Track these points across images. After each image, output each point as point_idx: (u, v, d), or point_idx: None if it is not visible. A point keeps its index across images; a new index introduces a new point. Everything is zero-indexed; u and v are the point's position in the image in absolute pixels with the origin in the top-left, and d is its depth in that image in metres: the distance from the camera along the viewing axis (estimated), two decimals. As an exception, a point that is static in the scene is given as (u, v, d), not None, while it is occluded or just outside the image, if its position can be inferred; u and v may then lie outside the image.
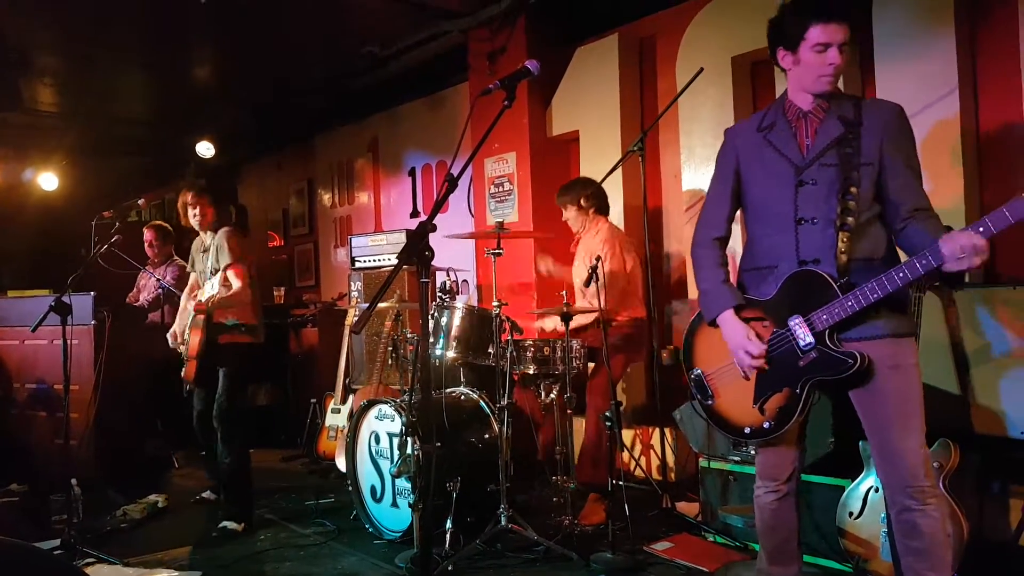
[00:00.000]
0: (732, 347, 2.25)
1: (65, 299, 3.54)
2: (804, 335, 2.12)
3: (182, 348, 3.94)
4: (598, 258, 3.55)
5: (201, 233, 4.05)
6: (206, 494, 4.44)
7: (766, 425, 2.22)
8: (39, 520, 4.04)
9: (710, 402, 2.37)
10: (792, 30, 2.16)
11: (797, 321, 2.14)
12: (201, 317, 3.78)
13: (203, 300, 3.78)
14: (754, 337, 2.20)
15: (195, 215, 3.96)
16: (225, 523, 3.81)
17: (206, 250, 3.99)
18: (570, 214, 4.06)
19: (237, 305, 3.87)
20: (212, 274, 3.88)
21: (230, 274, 3.83)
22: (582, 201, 4.03)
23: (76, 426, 4.14)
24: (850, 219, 2.09)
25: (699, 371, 2.40)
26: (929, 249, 1.94)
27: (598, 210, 4.07)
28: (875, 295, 2.01)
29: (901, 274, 1.98)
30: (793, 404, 2.17)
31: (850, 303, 2.04)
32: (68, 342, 3.59)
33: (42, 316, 3.55)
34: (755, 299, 2.26)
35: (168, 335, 4.16)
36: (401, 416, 3.51)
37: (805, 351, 2.13)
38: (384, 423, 3.68)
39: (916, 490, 2.08)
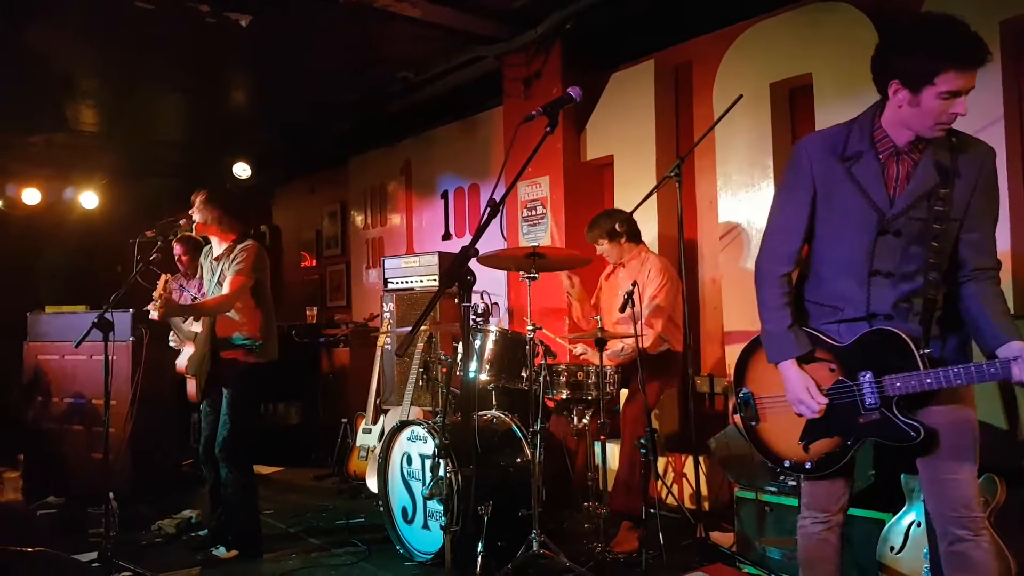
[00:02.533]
0: (789, 397, 2.15)
1: (108, 316, 3.61)
2: (871, 395, 2.03)
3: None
4: (634, 284, 3.55)
5: (212, 242, 3.94)
6: (202, 533, 4.02)
7: (808, 465, 2.17)
8: (77, 533, 4.09)
9: (754, 423, 2.30)
10: (919, 67, 1.91)
11: (868, 378, 2.04)
12: (204, 332, 3.72)
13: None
14: (815, 392, 2.10)
15: (194, 211, 3.84)
16: (214, 548, 3.74)
17: (217, 258, 3.88)
18: (604, 247, 4.06)
19: (213, 310, 3.67)
20: (219, 284, 3.77)
21: (226, 282, 3.71)
22: (615, 230, 4.02)
23: (113, 441, 4.19)
24: (930, 279, 1.98)
25: (749, 391, 2.32)
26: (1011, 362, 1.84)
27: (629, 237, 4.07)
28: (959, 381, 1.90)
29: (992, 370, 1.86)
30: (840, 453, 2.11)
31: (929, 380, 1.93)
32: (109, 358, 3.66)
33: (86, 332, 3.61)
34: (828, 342, 2.14)
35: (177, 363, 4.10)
36: (433, 438, 3.52)
37: (868, 410, 2.04)
38: (416, 444, 3.69)
39: (969, 520, 2.01)
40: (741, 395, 2.33)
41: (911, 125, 1.97)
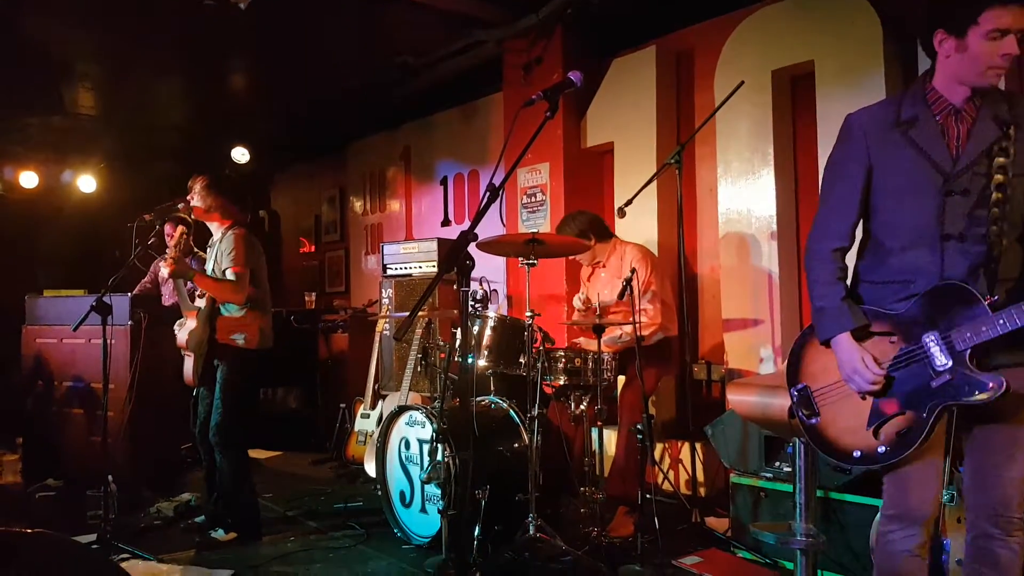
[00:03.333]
0: (845, 373, 2.01)
1: (106, 299, 3.61)
2: (941, 354, 1.88)
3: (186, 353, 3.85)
4: (633, 270, 3.55)
5: (211, 228, 3.93)
6: (199, 519, 3.98)
7: (881, 450, 1.95)
8: (75, 515, 4.10)
9: (814, 420, 2.10)
10: (960, 9, 1.85)
11: (933, 338, 1.89)
12: (205, 311, 3.71)
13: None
14: (871, 363, 1.96)
15: (193, 197, 3.83)
16: (212, 531, 3.75)
17: (212, 244, 3.89)
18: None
19: (219, 291, 3.68)
20: (219, 269, 3.75)
21: (228, 274, 3.70)
22: (584, 232, 3.95)
23: (112, 424, 4.20)
24: (1002, 237, 1.85)
25: (805, 385, 2.15)
26: None
27: (599, 237, 4.02)
28: None
29: None
30: (917, 429, 1.91)
31: (1001, 321, 1.79)
32: (108, 342, 3.66)
33: (84, 316, 3.62)
34: (883, 312, 2.01)
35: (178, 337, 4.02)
36: (432, 423, 3.53)
37: (940, 372, 1.88)
38: (415, 429, 3.70)
39: (1004, 520, 1.92)
40: (798, 390, 2.16)
41: (963, 77, 1.89)
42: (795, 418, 2.18)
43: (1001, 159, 1.84)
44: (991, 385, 1.81)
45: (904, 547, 1.96)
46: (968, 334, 1.83)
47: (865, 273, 2.08)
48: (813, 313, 2.10)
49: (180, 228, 3.72)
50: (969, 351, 1.84)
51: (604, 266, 4.06)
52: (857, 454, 2.00)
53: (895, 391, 1.95)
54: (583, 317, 3.91)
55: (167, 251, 3.67)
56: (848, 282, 2.08)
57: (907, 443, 1.92)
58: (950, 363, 1.86)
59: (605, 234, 4.07)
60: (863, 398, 1.99)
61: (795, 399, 2.17)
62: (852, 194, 2.04)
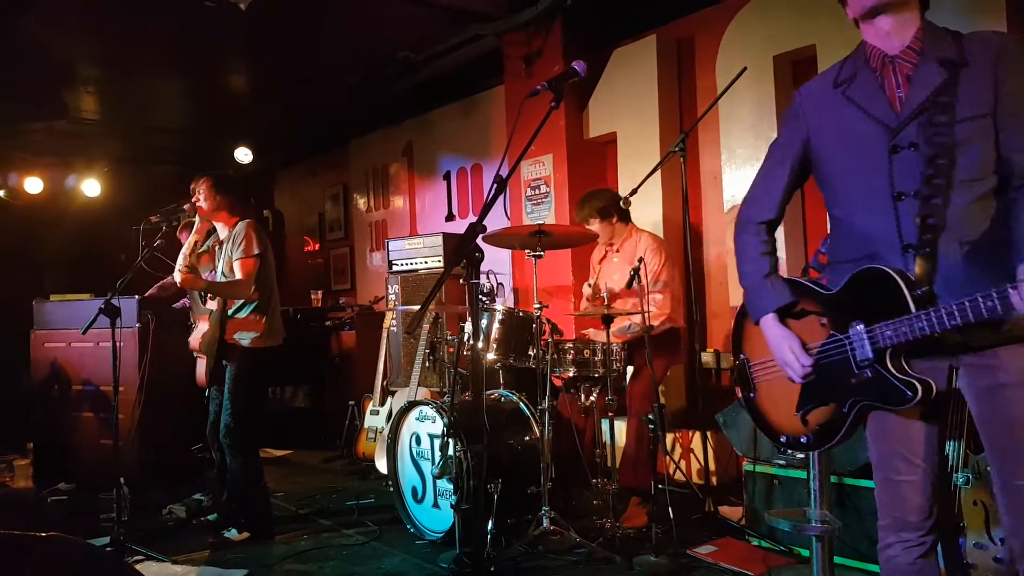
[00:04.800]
0: (776, 360, 1.88)
1: (114, 302, 3.61)
2: (863, 348, 1.70)
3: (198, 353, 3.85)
4: (640, 259, 3.53)
5: (216, 227, 3.92)
6: (211, 517, 3.98)
7: (803, 439, 1.87)
8: (88, 518, 4.11)
9: (751, 394, 2.02)
10: None
11: (859, 329, 1.71)
12: (216, 313, 3.71)
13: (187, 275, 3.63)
14: (798, 349, 1.82)
15: (199, 198, 3.81)
16: (225, 531, 3.75)
17: (220, 243, 3.87)
18: (595, 226, 4.02)
19: (231, 294, 3.69)
20: (229, 269, 3.74)
21: (236, 266, 3.69)
22: (606, 208, 3.98)
23: (122, 426, 4.21)
24: (936, 199, 1.64)
25: (745, 357, 2.05)
26: (1009, 291, 1.46)
27: (620, 217, 4.04)
28: (953, 321, 1.54)
29: (990, 303, 1.49)
30: (837, 423, 1.79)
31: (921, 324, 1.59)
32: (117, 344, 3.66)
33: (92, 318, 3.62)
34: (814, 290, 1.86)
35: (191, 340, 4.06)
36: (442, 417, 3.53)
37: (861, 366, 1.72)
38: (425, 424, 3.70)
39: None
40: (738, 363, 2.07)
41: (876, 22, 1.76)
42: (737, 386, 2.11)
43: (948, 100, 1.65)
44: (908, 393, 1.64)
45: (907, 560, 1.77)
46: (888, 332, 1.65)
47: (832, 254, 1.92)
48: (743, 293, 1.99)
49: (194, 238, 3.72)
50: (891, 348, 1.66)
51: (618, 250, 4.06)
52: (783, 439, 1.93)
53: (821, 378, 1.81)
54: (591, 305, 3.90)
55: (179, 261, 3.68)
56: (774, 257, 1.96)
57: (827, 437, 1.82)
58: (871, 358, 1.69)
59: (625, 216, 4.06)
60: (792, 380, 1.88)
61: (735, 371, 2.09)
62: (783, 162, 1.93)
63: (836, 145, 1.83)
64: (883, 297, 1.67)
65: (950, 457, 2.53)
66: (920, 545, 1.77)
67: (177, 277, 3.63)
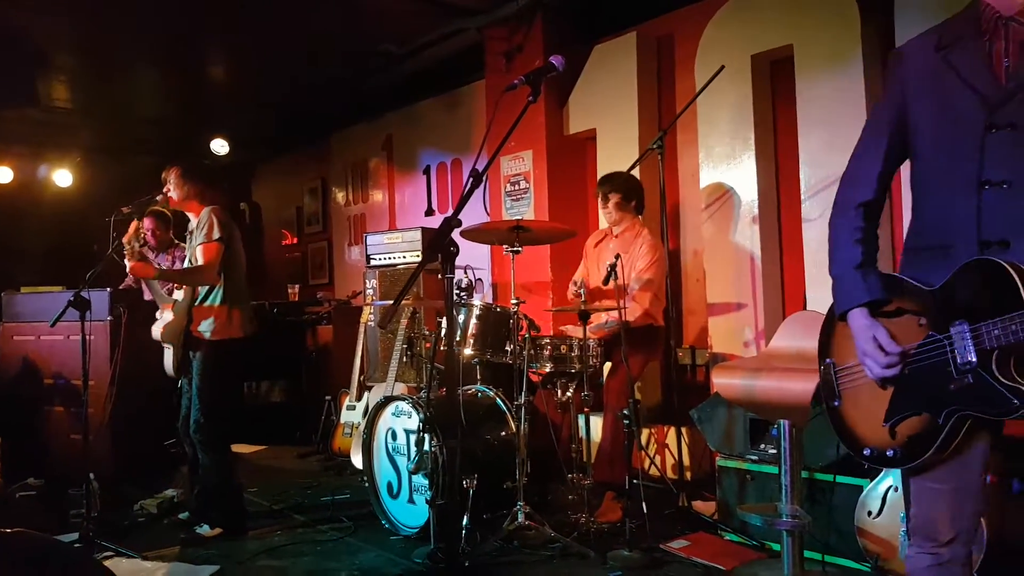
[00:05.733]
0: (859, 354, 1.68)
1: (84, 295, 3.56)
2: (966, 349, 1.50)
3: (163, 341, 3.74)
4: (617, 256, 3.54)
5: (190, 216, 3.84)
6: (183, 515, 3.94)
7: (889, 452, 1.65)
8: (57, 514, 4.05)
9: (836, 403, 1.79)
10: None
11: (962, 329, 1.51)
12: (184, 303, 3.64)
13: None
14: (886, 341, 1.62)
15: (169, 188, 3.76)
16: (197, 527, 3.69)
17: (190, 232, 3.80)
18: (612, 202, 4.03)
19: (189, 280, 3.62)
20: (194, 257, 3.67)
21: (198, 251, 3.60)
22: (636, 191, 4.05)
23: (92, 421, 4.14)
24: None
25: (831, 361, 1.82)
26: None
27: (638, 209, 4.09)
28: None
29: None
30: (930, 436, 1.57)
31: None
32: (87, 337, 3.61)
33: (61, 311, 3.55)
34: (914, 286, 1.64)
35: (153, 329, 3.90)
36: (418, 413, 3.52)
37: (962, 371, 1.51)
38: (401, 420, 3.69)
39: None
40: (823, 368, 1.84)
41: None
42: (817, 396, 1.90)
43: None
44: (1014, 402, 1.44)
45: (922, 564, 1.66)
46: (996, 331, 1.45)
47: (906, 240, 1.73)
48: (832, 283, 1.79)
49: (134, 223, 3.59)
50: (998, 352, 1.46)
51: (617, 237, 4.08)
52: (867, 451, 1.70)
53: (916, 385, 1.60)
54: (576, 299, 3.91)
55: (125, 250, 3.54)
56: (870, 245, 1.75)
57: (917, 451, 1.59)
58: (974, 362, 1.49)
59: (640, 210, 4.12)
60: (882, 387, 1.67)
61: (821, 376, 1.85)
62: (881, 137, 1.71)
63: (930, 117, 1.62)
64: (992, 293, 1.47)
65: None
66: (933, 555, 1.64)
67: (128, 266, 3.55)
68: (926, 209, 1.67)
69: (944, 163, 1.60)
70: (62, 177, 7.68)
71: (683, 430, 4.18)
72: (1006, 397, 1.44)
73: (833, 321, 1.82)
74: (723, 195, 4.42)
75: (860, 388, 1.73)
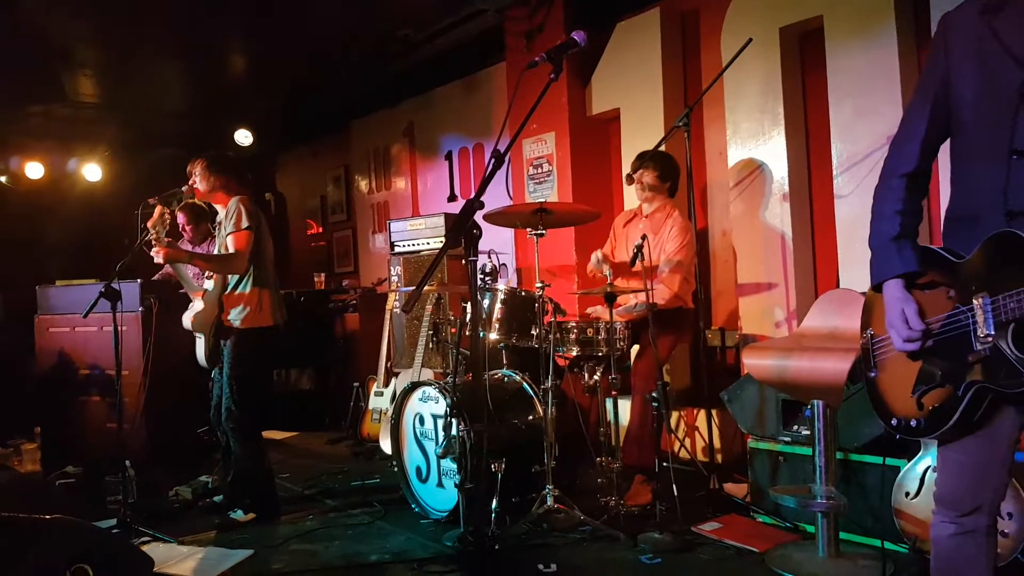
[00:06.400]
0: (887, 324, 1.69)
1: (114, 286, 3.60)
2: (986, 322, 1.50)
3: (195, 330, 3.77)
4: (644, 237, 3.49)
5: (217, 208, 3.88)
6: (216, 499, 4.02)
7: (913, 423, 1.67)
8: (95, 501, 4.13)
9: (872, 374, 1.81)
10: None
11: (982, 301, 1.51)
12: (215, 291, 3.66)
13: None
14: (912, 315, 1.62)
15: (195, 180, 3.79)
16: (231, 512, 3.74)
17: (219, 223, 3.83)
18: (647, 181, 3.95)
19: (220, 267, 3.64)
20: (224, 248, 3.70)
21: (229, 240, 3.62)
22: (672, 172, 3.98)
23: (127, 410, 4.22)
24: None
25: (871, 333, 1.83)
26: None
27: (671, 190, 4.03)
28: None
29: None
30: (951, 408, 1.57)
31: None
32: (118, 328, 3.66)
33: (93, 302, 3.61)
34: (946, 258, 1.65)
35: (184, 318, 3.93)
36: (445, 398, 3.51)
37: (982, 343, 1.51)
38: (428, 405, 3.69)
39: None
40: (863, 339, 1.85)
41: None
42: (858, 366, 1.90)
43: None
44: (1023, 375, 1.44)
45: (944, 532, 1.71)
46: (1012, 304, 1.45)
47: (947, 210, 1.72)
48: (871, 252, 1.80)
49: (159, 208, 3.59)
50: (1015, 323, 1.46)
51: (647, 218, 4.02)
52: (895, 422, 1.73)
53: (941, 356, 1.61)
54: (597, 271, 3.86)
55: (151, 236, 3.56)
56: (910, 217, 1.73)
57: (939, 422, 1.61)
58: (992, 335, 1.49)
59: (674, 191, 4.06)
60: (912, 358, 1.68)
61: (861, 347, 1.87)
62: (924, 106, 1.70)
63: (971, 84, 1.60)
64: (1015, 266, 1.47)
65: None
66: (956, 524, 1.68)
67: (155, 255, 3.56)
68: (961, 179, 1.66)
69: (981, 132, 1.58)
70: (91, 172, 7.77)
71: (713, 412, 4.13)
72: (1018, 370, 1.44)
73: (875, 294, 1.80)
74: (752, 172, 4.34)
75: (892, 359, 1.74)
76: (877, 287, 1.74)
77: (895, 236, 1.71)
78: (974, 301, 1.54)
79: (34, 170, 7.57)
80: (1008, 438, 1.62)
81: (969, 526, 1.66)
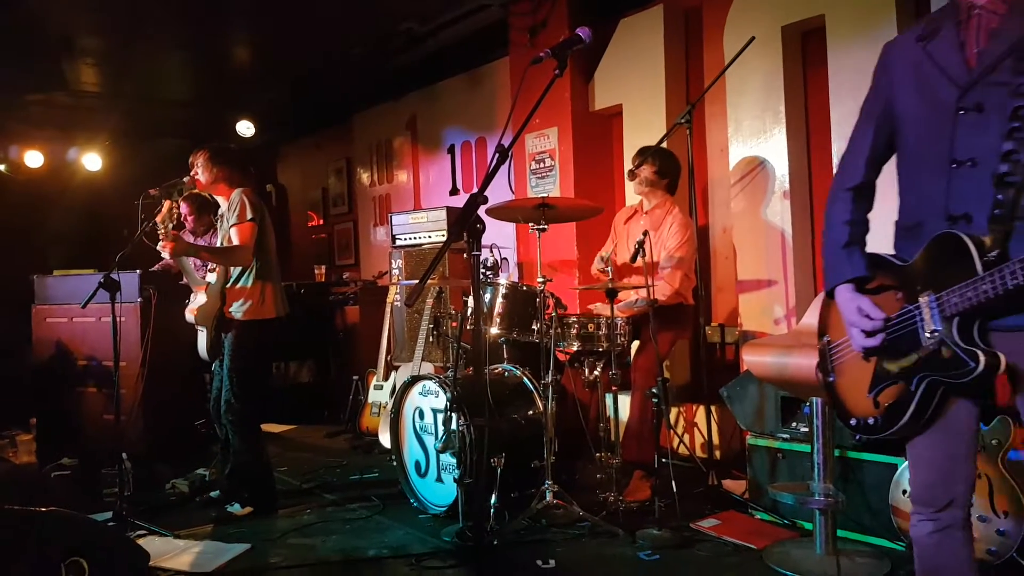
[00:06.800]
0: (845, 325, 1.79)
1: (114, 276, 3.59)
2: (932, 318, 1.61)
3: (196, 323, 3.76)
4: (645, 233, 3.49)
5: (219, 200, 3.86)
6: (214, 494, 3.99)
7: (871, 421, 1.76)
8: (91, 493, 4.13)
9: (831, 379, 1.90)
10: None
11: (928, 299, 1.63)
12: (217, 284, 3.66)
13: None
14: (870, 308, 1.72)
15: (197, 172, 3.78)
16: (228, 506, 3.75)
17: (222, 216, 3.82)
18: (644, 176, 3.97)
19: (224, 260, 3.64)
20: (228, 240, 3.68)
21: (232, 232, 3.61)
22: (670, 169, 3.99)
23: (125, 402, 4.21)
24: (1017, 160, 1.53)
25: (828, 339, 1.92)
26: None
27: (670, 187, 4.02)
28: (1015, 281, 1.46)
29: None
30: (905, 402, 1.67)
31: (985, 287, 1.50)
32: (117, 319, 3.65)
33: (92, 293, 3.59)
34: (891, 262, 1.78)
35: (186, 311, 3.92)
36: (445, 392, 3.51)
37: (930, 338, 1.62)
38: (428, 399, 3.68)
39: None
40: (820, 345, 1.94)
41: None
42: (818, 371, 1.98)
43: None
44: (970, 364, 1.54)
45: (923, 531, 1.77)
46: (955, 299, 1.57)
47: (897, 220, 1.84)
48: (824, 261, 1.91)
49: (167, 203, 3.58)
50: (958, 317, 1.57)
51: (647, 214, 4.02)
52: (854, 422, 1.82)
53: (893, 355, 1.71)
54: (601, 274, 3.86)
55: (159, 231, 3.55)
56: (857, 227, 1.86)
57: (895, 417, 1.70)
58: (939, 330, 1.60)
59: (673, 188, 4.06)
60: (866, 359, 1.77)
61: (819, 354, 1.96)
62: (868, 126, 1.84)
63: (913, 104, 1.73)
64: (954, 263, 1.58)
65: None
66: (933, 521, 1.74)
67: (163, 249, 3.55)
68: (908, 190, 1.79)
69: (923, 146, 1.71)
70: (91, 161, 7.75)
71: (712, 408, 4.14)
72: (964, 360, 1.55)
73: (830, 300, 1.90)
74: (753, 170, 4.33)
75: (849, 362, 1.84)
76: (830, 294, 1.86)
77: (844, 244, 1.83)
78: (920, 299, 1.65)
79: (33, 159, 7.54)
80: (969, 430, 1.71)
81: (946, 521, 1.73)
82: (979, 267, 1.53)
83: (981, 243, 1.55)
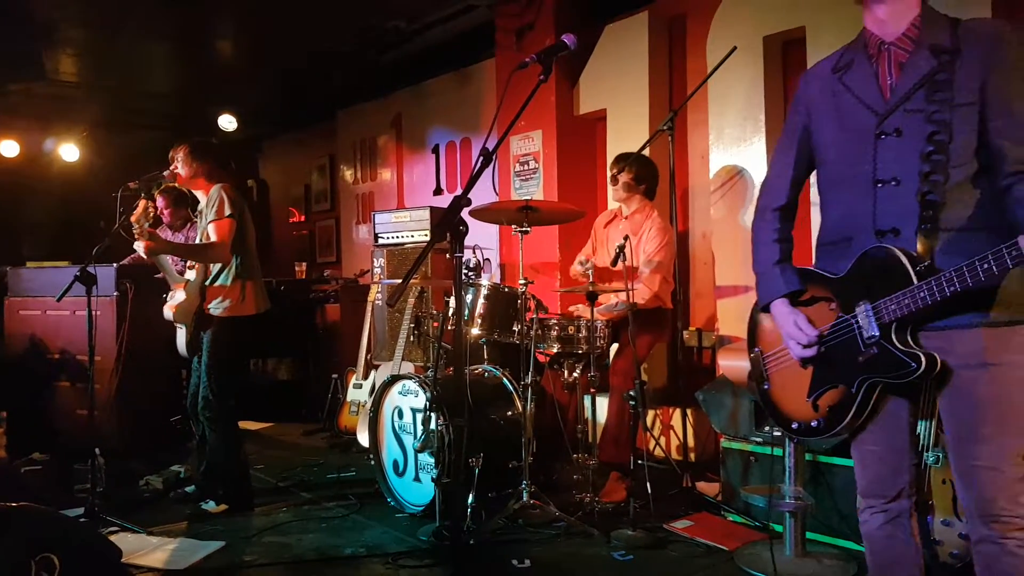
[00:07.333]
0: (784, 338, 1.92)
1: (90, 270, 3.55)
2: (870, 325, 1.74)
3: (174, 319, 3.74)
4: (625, 238, 3.52)
5: (198, 195, 3.84)
6: (189, 489, 3.98)
7: (814, 424, 1.88)
8: (63, 489, 4.08)
9: (766, 386, 2.04)
10: None
11: (864, 308, 1.76)
12: (196, 281, 3.63)
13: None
14: (804, 324, 1.86)
15: (177, 166, 3.75)
16: (203, 503, 3.73)
17: (200, 212, 3.80)
18: (622, 182, 4.01)
19: (202, 257, 3.62)
20: (206, 236, 3.63)
21: (211, 228, 3.58)
22: (646, 175, 4.02)
23: (99, 396, 4.16)
24: (936, 180, 1.67)
25: (759, 350, 2.07)
26: (1006, 249, 1.50)
27: (648, 192, 4.06)
28: (952, 288, 1.58)
29: (985, 265, 1.52)
30: (846, 404, 1.80)
31: (923, 294, 1.63)
32: (92, 312, 3.61)
33: (67, 286, 3.56)
34: (822, 275, 1.90)
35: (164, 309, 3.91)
36: (425, 392, 3.52)
37: (868, 344, 1.75)
38: (407, 398, 3.69)
39: (993, 519, 1.65)
40: (752, 356, 2.09)
41: (874, 10, 1.78)
42: (751, 381, 2.13)
43: (939, 89, 1.68)
44: (912, 365, 1.67)
45: (874, 525, 1.89)
46: (892, 306, 1.70)
47: (818, 237, 1.97)
48: (755, 278, 2.05)
49: (143, 202, 3.53)
50: (895, 323, 1.70)
51: (627, 219, 4.06)
52: (795, 425, 1.94)
53: (831, 361, 1.84)
54: (581, 276, 3.89)
55: (134, 229, 3.49)
56: (786, 244, 2.01)
57: (838, 418, 1.83)
58: (877, 335, 1.73)
59: (651, 194, 4.10)
60: (803, 366, 1.90)
61: (750, 364, 2.10)
62: (790, 150, 1.99)
63: (832, 130, 1.88)
64: (887, 275, 1.71)
65: (921, 437, 2.58)
66: (884, 512, 1.86)
67: (139, 247, 3.51)
68: (831, 209, 1.91)
69: (845, 168, 1.84)
70: (69, 151, 7.66)
71: (688, 412, 4.18)
72: (905, 361, 1.69)
73: (758, 313, 2.07)
74: (733, 177, 4.39)
75: (785, 370, 1.98)
76: (764, 308, 1.99)
77: (776, 261, 1.98)
78: (857, 309, 1.78)
79: (9, 148, 7.44)
80: (907, 424, 1.84)
81: (896, 511, 1.85)
82: (914, 277, 1.67)
83: (911, 255, 1.69)
